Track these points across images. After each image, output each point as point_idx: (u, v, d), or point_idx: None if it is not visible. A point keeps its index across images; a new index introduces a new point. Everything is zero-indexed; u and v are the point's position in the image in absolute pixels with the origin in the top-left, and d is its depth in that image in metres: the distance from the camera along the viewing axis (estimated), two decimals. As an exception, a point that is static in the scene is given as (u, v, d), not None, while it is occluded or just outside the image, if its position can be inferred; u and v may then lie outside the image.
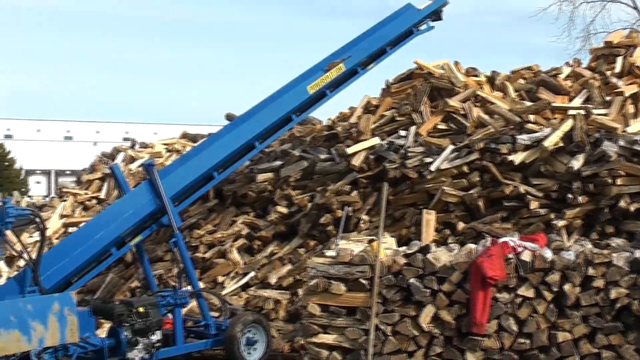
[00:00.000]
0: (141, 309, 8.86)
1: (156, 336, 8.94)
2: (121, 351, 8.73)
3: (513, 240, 8.38)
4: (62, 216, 14.60)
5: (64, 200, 15.08)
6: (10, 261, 14.18)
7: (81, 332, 7.99)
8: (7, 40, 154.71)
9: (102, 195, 14.84)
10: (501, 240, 8.40)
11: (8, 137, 76.87)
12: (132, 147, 17.12)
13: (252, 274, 11.75)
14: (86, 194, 14.98)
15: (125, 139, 54.87)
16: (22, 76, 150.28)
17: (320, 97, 11.76)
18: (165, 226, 9.92)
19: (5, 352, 7.41)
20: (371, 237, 9.26)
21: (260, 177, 12.82)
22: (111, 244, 9.41)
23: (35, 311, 7.39)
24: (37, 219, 8.74)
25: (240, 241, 12.28)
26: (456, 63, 13.63)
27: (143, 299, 9.34)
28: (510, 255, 8.02)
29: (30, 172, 71.75)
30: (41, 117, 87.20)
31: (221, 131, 11.33)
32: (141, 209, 9.61)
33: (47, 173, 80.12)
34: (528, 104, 11.99)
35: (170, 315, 9.45)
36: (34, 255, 8.67)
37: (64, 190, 15.84)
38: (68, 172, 68.83)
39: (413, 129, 12.07)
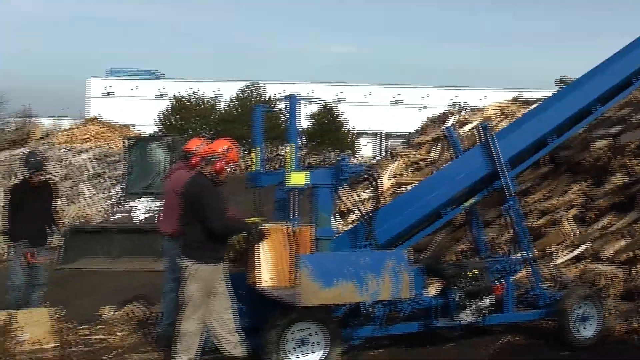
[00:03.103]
0: (473, 273, 8.72)
1: (486, 301, 8.75)
2: (450, 312, 8.66)
3: None
4: (392, 176, 14.90)
5: (395, 161, 15.36)
6: (343, 215, 14.78)
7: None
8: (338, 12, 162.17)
9: (433, 157, 14.90)
10: None
11: (338, 101, 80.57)
12: (462, 110, 17.02)
13: (585, 245, 11.17)
14: (417, 155, 15.12)
15: (453, 104, 55.18)
16: (352, 44, 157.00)
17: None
18: (497, 190, 9.63)
19: (340, 301, 7.67)
20: None
21: (597, 144, 12.12)
22: (443, 205, 9.34)
23: (370, 265, 7.51)
24: (371, 177, 8.91)
25: (574, 210, 11.72)
26: None
27: (474, 263, 9.19)
28: None
29: (359, 134, 74.87)
30: (371, 81, 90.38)
31: (558, 94, 10.81)
32: (475, 172, 9.43)
33: (375, 135, 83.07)
34: None
35: (500, 282, 9.21)
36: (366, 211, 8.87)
37: (395, 151, 16.14)
38: (395, 135, 70.81)
39: None
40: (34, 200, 9.56)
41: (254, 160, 9.22)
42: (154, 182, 17.79)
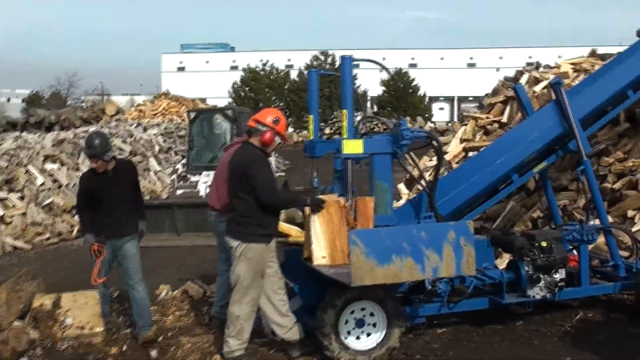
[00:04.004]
0: (544, 243, 8.00)
1: (560, 274, 8.03)
2: (521, 287, 8.01)
3: None
4: (463, 140, 14.19)
5: (465, 125, 14.67)
6: (410, 184, 14.17)
7: (479, 262, 7.35)
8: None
9: (504, 119, 14.12)
10: None
11: (412, 65, 79.60)
12: (537, 68, 16.16)
13: (669, 209, 10.31)
14: (488, 117, 14.37)
15: (529, 64, 53.86)
16: (424, 8, 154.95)
17: None
18: (571, 152, 8.87)
19: (397, 280, 7.00)
20: None
21: (680, 98, 11.11)
22: (513, 170, 8.65)
23: (429, 239, 6.85)
24: (434, 142, 8.22)
25: (657, 171, 10.82)
26: None
27: (546, 232, 8.47)
28: None
29: (433, 99, 73.92)
30: (445, 45, 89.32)
31: (635, 46, 9.92)
32: (546, 133, 8.67)
33: (449, 100, 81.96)
34: None
35: (574, 252, 8.50)
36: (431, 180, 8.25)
37: (465, 114, 15.45)
38: (471, 99, 69.73)
39: None
40: (109, 187, 8.07)
41: (310, 128, 8.72)
42: (218, 155, 17.34)
